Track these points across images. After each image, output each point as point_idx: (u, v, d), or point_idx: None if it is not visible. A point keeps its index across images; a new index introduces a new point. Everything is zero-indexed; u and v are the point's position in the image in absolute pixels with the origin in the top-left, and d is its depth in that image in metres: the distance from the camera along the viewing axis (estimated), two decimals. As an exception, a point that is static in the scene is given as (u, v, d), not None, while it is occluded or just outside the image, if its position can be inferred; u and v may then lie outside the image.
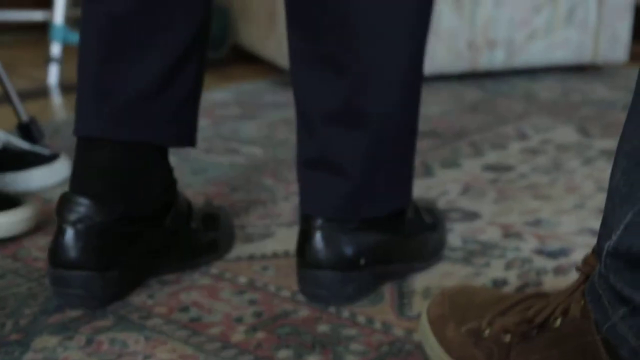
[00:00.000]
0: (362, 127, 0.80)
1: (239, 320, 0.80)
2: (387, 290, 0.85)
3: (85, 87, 0.83)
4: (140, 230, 0.83)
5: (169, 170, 0.87)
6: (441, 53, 1.84)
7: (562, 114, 1.57)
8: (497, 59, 1.90)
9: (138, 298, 0.84)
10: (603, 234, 0.60)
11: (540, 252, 0.94)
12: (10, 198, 1.00)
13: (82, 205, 0.79)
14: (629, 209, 0.57)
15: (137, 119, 0.82)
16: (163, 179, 0.87)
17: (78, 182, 0.81)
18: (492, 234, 0.99)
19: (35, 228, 0.99)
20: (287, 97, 1.72)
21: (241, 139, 1.42)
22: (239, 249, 0.95)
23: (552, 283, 0.86)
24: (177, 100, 0.84)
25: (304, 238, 0.82)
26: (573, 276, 0.87)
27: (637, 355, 0.57)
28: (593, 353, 0.59)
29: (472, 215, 1.05)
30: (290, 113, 1.45)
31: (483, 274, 0.89)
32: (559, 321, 0.62)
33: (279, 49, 1.97)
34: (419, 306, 0.82)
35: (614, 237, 0.58)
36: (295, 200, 1.11)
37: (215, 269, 0.91)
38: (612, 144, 1.30)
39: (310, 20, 0.79)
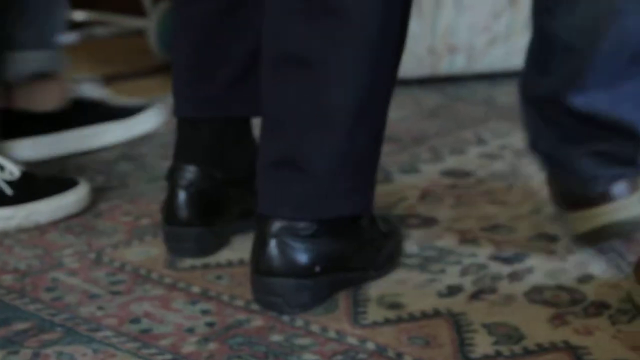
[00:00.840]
0: (331, 128, 0.82)
1: (191, 330, 0.79)
2: (342, 298, 0.85)
3: (181, 72, 0.97)
4: (235, 193, 0.97)
5: (253, 140, 1.00)
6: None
7: (520, 119, 1.57)
8: (458, 64, 1.91)
9: (87, 309, 0.82)
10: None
11: (495, 258, 0.93)
12: (63, 180, 1.11)
13: (190, 172, 0.94)
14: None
15: (227, 99, 0.96)
16: (250, 148, 0.99)
17: (184, 153, 0.96)
18: (448, 240, 0.99)
19: None
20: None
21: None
22: (193, 258, 0.94)
23: (507, 289, 0.86)
24: (254, 82, 0.91)
25: (258, 244, 0.83)
26: (528, 281, 0.87)
27: None
28: None
29: (429, 221, 1.05)
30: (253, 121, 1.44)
31: (438, 280, 0.88)
32: None
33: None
34: (374, 314, 0.81)
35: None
36: (251, 207, 1.10)
37: (168, 278, 0.89)
38: (569, 148, 1.30)
39: (280, 28, 0.83)
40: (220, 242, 0.97)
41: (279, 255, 0.81)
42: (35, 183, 1.08)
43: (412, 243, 0.97)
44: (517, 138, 1.43)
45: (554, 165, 0.95)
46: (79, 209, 1.07)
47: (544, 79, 0.92)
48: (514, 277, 0.89)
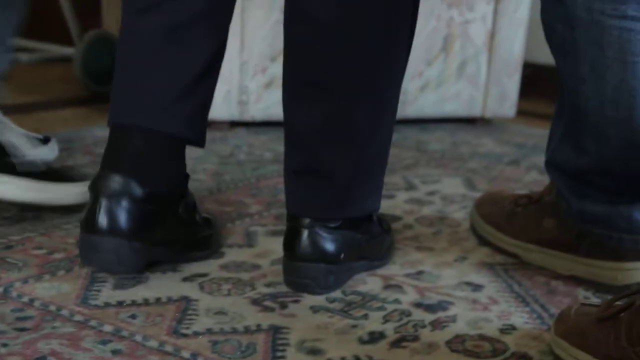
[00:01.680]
0: (349, 143, 0.94)
1: (99, 372, 0.75)
2: (261, 342, 0.82)
3: (122, 83, 0.97)
4: (160, 212, 0.95)
5: (184, 164, 0.99)
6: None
7: (450, 165, 1.58)
8: (390, 109, 1.92)
9: (-12, 347, 0.77)
10: (547, 148, 1.00)
11: (419, 305, 0.92)
12: (75, 173, 1.18)
13: (115, 181, 0.91)
14: (556, 132, 0.96)
15: (166, 115, 0.95)
16: (180, 170, 0.99)
17: (110, 161, 0.93)
18: (373, 285, 0.97)
19: None
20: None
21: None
22: (107, 295, 0.90)
23: (429, 337, 0.85)
24: (199, 105, 0.98)
25: (292, 235, 0.94)
26: (450, 330, 0.86)
27: (568, 213, 0.99)
28: (560, 211, 1.00)
29: (354, 265, 1.03)
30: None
31: (360, 326, 0.86)
32: (547, 198, 1.05)
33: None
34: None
35: (548, 153, 0.98)
36: (172, 244, 1.07)
37: (79, 315, 0.85)
38: (496, 197, 1.31)
39: (303, 56, 0.94)
40: (143, 261, 0.94)
41: (310, 244, 0.93)
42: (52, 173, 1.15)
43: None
44: (446, 184, 1.44)
45: (599, 225, 0.96)
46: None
47: (585, 154, 0.94)
48: (436, 325, 0.87)
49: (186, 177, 1.00)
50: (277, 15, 1.78)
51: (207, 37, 0.96)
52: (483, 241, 1.12)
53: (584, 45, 0.87)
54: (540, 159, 1.65)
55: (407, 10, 0.93)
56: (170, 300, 0.90)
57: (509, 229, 1.08)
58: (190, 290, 0.93)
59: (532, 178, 1.52)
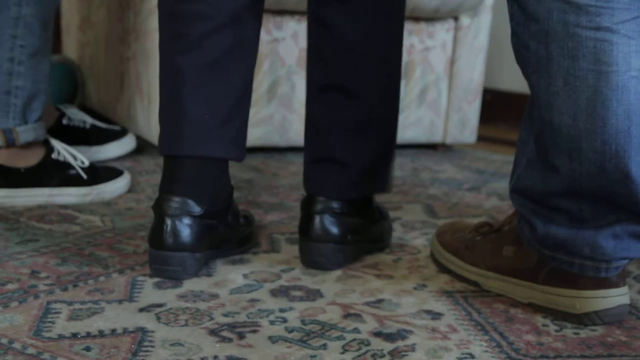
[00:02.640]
0: (363, 135, 1.12)
1: (50, 408, 0.73)
2: (217, 374, 0.81)
3: (170, 116, 1.09)
4: (214, 223, 1.10)
5: (229, 179, 1.14)
6: (297, 126, 1.83)
7: (411, 192, 1.59)
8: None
9: None
10: (511, 177, 1.02)
11: (378, 334, 0.91)
12: (113, 169, 1.44)
13: (176, 202, 1.05)
14: (521, 159, 0.99)
15: (211, 140, 1.08)
16: (227, 186, 1.14)
17: (169, 186, 1.07)
18: (332, 314, 0.96)
19: None
20: (134, 163, 1.66)
21: (80, 207, 1.34)
22: (61, 327, 0.88)
23: (389, 367, 0.84)
24: (241, 124, 1.12)
25: (307, 221, 1.11)
26: (409, 359, 0.86)
27: (529, 241, 1.00)
28: (519, 239, 1.02)
29: (314, 294, 1.02)
30: (139, 179, 1.39)
31: (319, 356, 0.85)
32: (506, 228, 1.06)
33: (127, 112, 1.91)
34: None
35: (513, 181, 1.00)
36: (129, 273, 1.05)
37: (32, 348, 0.83)
38: (456, 224, 1.31)
39: (327, 61, 1.11)
40: (200, 267, 1.08)
41: (322, 227, 1.10)
42: (98, 171, 1.40)
43: (295, 317, 0.94)
44: (407, 211, 1.44)
45: (562, 251, 0.96)
46: (127, 190, 1.44)
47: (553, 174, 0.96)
48: (395, 354, 0.87)
49: (232, 189, 1.15)
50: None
51: (242, 63, 1.11)
52: (443, 269, 1.12)
53: (558, 59, 0.89)
54: (501, 185, 1.66)
55: (402, 18, 1.16)
56: (125, 331, 0.88)
57: (469, 256, 1.09)
58: (146, 321, 0.91)
59: (492, 204, 1.53)
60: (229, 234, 1.14)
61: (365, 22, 1.10)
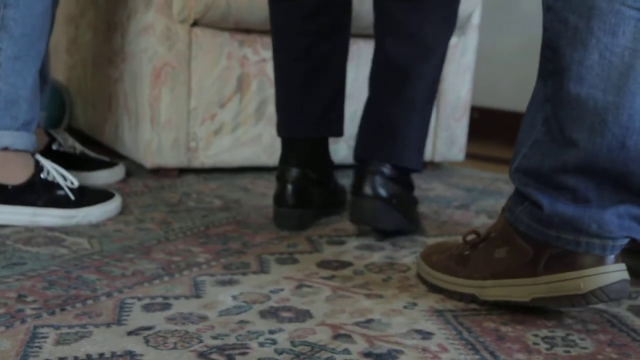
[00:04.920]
0: (412, 110, 1.35)
1: None
2: (207, 397, 0.80)
3: (285, 106, 1.44)
4: (321, 189, 1.46)
5: (329, 154, 1.49)
6: None
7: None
8: (340, 153, 1.92)
9: None
10: (514, 157, 1.04)
11: (368, 354, 0.91)
12: (105, 192, 1.44)
13: (294, 172, 1.41)
14: (526, 140, 1.02)
15: (318, 124, 1.43)
16: (329, 158, 1.49)
17: (288, 160, 1.42)
18: (322, 335, 0.96)
19: None
20: (122, 184, 1.66)
21: (67, 229, 1.34)
22: (49, 352, 0.87)
23: (379, 388, 0.83)
24: (339, 108, 1.46)
25: (360, 179, 1.33)
26: (400, 381, 0.85)
27: (530, 227, 1.02)
28: (510, 237, 1.05)
29: (303, 315, 1.02)
30: (127, 201, 1.38)
31: (309, 378, 0.85)
32: (493, 234, 1.08)
33: (115, 133, 1.91)
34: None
35: (517, 160, 1.03)
36: (118, 296, 1.04)
37: (18, 374, 0.82)
38: (445, 242, 1.31)
39: (392, 44, 1.37)
40: (311, 222, 1.44)
41: (373, 186, 1.32)
42: (88, 192, 1.41)
43: (284, 338, 0.94)
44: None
45: (569, 230, 0.99)
46: (117, 213, 1.43)
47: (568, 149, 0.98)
48: (386, 375, 0.86)
49: (332, 162, 1.50)
50: (224, 62, 1.78)
51: (336, 66, 1.44)
52: (435, 289, 1.12)
53: (597, 34, 0.94)
54: (489, 203, 1.67)
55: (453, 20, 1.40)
56: (114, 355, 0.88)
57: (463, 271, 1.09)
58: (135, 344, 0.90)
59: (482, 222, 1.52)
60: (330, 197, 1.49)
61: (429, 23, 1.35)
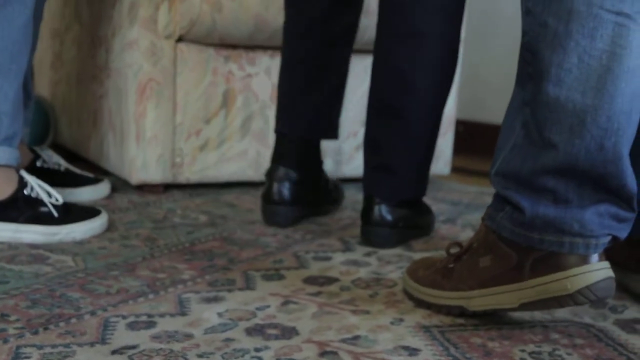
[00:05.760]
0: (411, 149, 1.40)
1: None
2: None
3: (283, 105, 1.54)
4: (308, 188, 1.54)
5: (320, 154, 1.58)
6: None
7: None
8: (326, 168, 1.92)
9: None
10: (494, 162, 1.06)
11: (355, 372, 0.90)
12: (90, 209, 1.43)
13: (281, 171, 1.50)
14: (505, 144, 1.04)
15: (313, 124, 1.54)
16: (319, 158, 1.58)
17: (277, 158, 1.52)
18: (308, 352, 0.95)
19: None
20: (107, 201, 1.65)
21: (51, 246, 1.33)
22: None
23: (366, 406, 0.83)
24: (335, 114, 1.57)
25: (368, 210, 1.42)
26: (387, 398, 0.84)
27: (512, 232, 1.02)
28: (493, 244, 1.05)
29: (289, 332, 1.01)
30: (112, 217, 1.37)
31: (295, 397, 0.84)
32: (475, 244, 1.08)
33: (100, 150, 1.90)
34: None
35: (497, 164, 1.05)
36: (102, 314, 1.03)
37: (1, 395, 0.81)
38: (432, 257, 1.31)
39: (385, 89, 1.41)
40: (298, 219, 1.54)
41: (379, 215, 1.41)
42: (72, 209, 1.40)
43: (270, 356, 0.93)
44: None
45: (551, 231, 0.99)
46: (103, 231, 1.42)
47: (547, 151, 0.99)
48: (373, 392, 0.86)
49: (322, 162, 1.59)
50: (210, 77, 1.77)
51: (334, 75, 1.54)
52: (422, 304, 1.11)
53: (576, 37, 0.95)
54: (475, 217, 1.67)
55: (456, 55, 1.41)
56: (98, 375, 0.87)
57: (449, 284, 1.08)
58: (119, 363, 0.90)
59: (468, 235, 1.52)
60: (320, 196, 1.59)
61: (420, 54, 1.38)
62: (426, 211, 1.51)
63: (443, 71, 1.40)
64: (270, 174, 1.51)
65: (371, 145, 1.44)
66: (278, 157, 1.52)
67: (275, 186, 1.49)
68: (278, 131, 1.54)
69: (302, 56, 1.52)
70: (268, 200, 1.50)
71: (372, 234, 1.41)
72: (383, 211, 1.41)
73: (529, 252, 1.01)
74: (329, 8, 1.50)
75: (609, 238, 0.99)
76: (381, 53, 1.41)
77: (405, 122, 1.39)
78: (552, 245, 0.99)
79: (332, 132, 1.58)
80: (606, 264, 0.99)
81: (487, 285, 1.04)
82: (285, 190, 1.50)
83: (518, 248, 1.02)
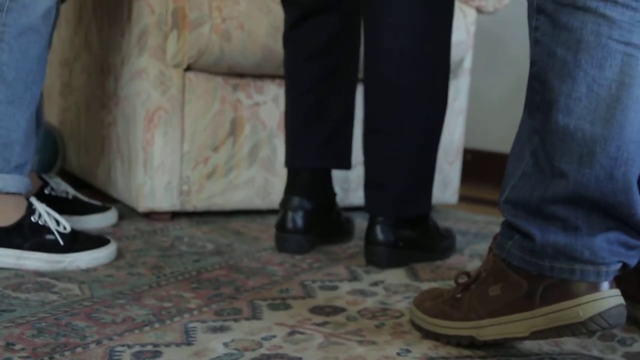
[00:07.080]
0: (399, 169, 1.45)
1: None
2: None
3: (290, 138, 1.58)
4: (321, 217, 1.57)
5: (332, 184, 1.62)
6: (278, 189, 1.83)
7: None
8: (333, 197, 1.91)
9: None
10: (503, 189, 1.05)
11: (362, 404, 0.89)
12: (99, 238, 1.43)
13: (295, 201, 1.54)
14: (514, 172, 1.04)
15: (321, 154, 1.56)
16: (331, 188, 1.62)
17: (291, 189, 1.56)
18: (314, 383, 0.94)
19: None
20: (114, 229, 1.65)
21: (58, 274, 1.32)
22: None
23: None
24: (342, 143, 1.60)
25: (370, 228, 1.46)
26: None
27: (522, 260, 1.02)
28: (502, 273, 1.04)
29: (296, 362, 1.00)
30: (119, 245, 1.37)
31: None
32: (484, 273, 1.08)
33: (108, 177, 1.91)
34: None
35: (506, 192, 1.04)
36: (107, 343, 1.03)
37: None
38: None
39: (376, 109, 1.46)
40: (310, 247, 1.56)
41: (379, 234, 1.45)
42: (80, 238, 1.39)
43: (276, 386, 0.93)
44: (390, 274, 1.43)
45: (562, 259, 0.99)
46: (110, 261, 1.40)
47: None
48: None
49: (335, 193, 1.63)
50: (218, 106, 1.78)
51: (338, 104, 1.56)
52: (430, 335, 1.11)
53: (585, 67, 0.95)
54: (483, 247, 1.66)
55: (448, 72, 1.46)
56: (102, 405, 0.86)
57: (458, 314, 1.08)
58: (124, 394, 0.89)
59: (475, 266, 1.52)
60: (331, 226, 1.61)
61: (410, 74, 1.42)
62: (438, 234, 1.53)
63: (425, 88, 1.43)
64: (284, 203, 1.54)
65: (365, 162, 1.49)
66: (291, 188, 1.55)
67: (290, 215, 1.53)
68: (287, 166, 1.58)
69: (304, 89, 1.55)
70: (282, 229, 1.53)
71: (371, 252, 1.45)
72: (382, 230, 1.45)
73: (539, 279, 1.00)
74: (328, 41, 1.53)
75: (619, 265, 0.99)
76: (365, 70, 1.46)
77: (388, 138, 1.43)
78: (562, 272, 0.99)
79: (342, 161, 1.60)
80: (617, 291, 0.99)
81: (497, 314, 1.03)
82: (299, 219, 1.53)
83: (528, 276, 1.01)
